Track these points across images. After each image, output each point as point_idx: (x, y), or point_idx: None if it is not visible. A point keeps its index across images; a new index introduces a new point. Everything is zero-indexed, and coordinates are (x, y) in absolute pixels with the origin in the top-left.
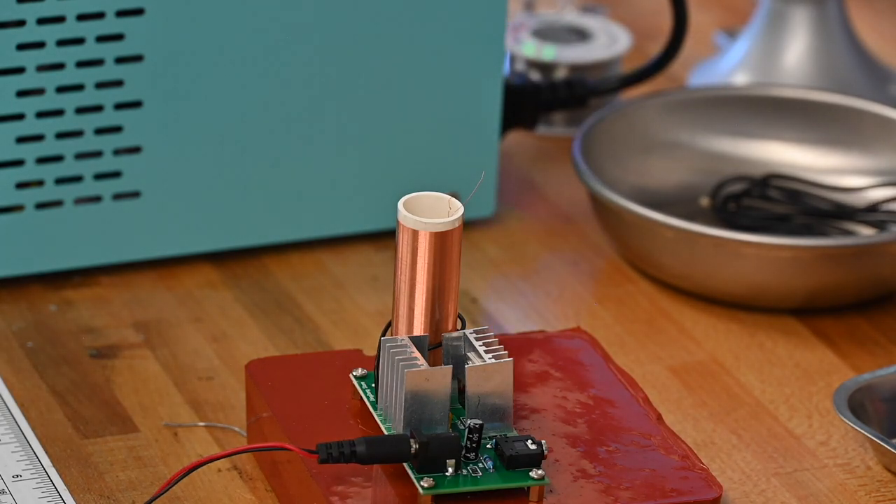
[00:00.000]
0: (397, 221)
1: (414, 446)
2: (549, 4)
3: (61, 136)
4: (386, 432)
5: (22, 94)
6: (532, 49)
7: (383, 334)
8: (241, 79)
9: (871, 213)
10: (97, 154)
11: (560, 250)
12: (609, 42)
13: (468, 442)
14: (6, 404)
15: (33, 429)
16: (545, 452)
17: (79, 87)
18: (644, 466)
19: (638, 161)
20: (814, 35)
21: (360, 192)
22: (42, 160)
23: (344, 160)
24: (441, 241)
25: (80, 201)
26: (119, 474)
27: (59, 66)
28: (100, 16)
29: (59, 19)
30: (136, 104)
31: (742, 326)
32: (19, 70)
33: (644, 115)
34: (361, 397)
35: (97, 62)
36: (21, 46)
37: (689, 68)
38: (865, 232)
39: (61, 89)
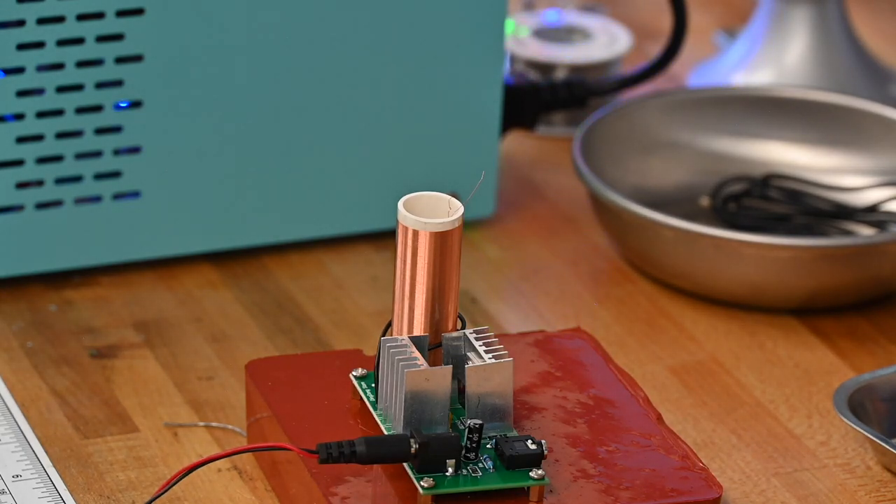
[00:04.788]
0: (397, 221)
1: (414, 446)
2: (549, 4)
3: (61, 136)
4: (386, 432)
5: (22, 94)
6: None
7: (383, 334)
8: (241, 79)
9: (871, 213)
10: (97, 154)
11: (560, 250)
12: (609, 42)
13: (468, 442)
14: (6, 404)
15: (33, 429)
16: (545, 452)
17: (79, 87)
18: (644, 466)
19: (638, 161)
20: (814, 35)
21: (360, 192)
22: (42, 160)
23: (344, 160)
24: (441, 241)
25: (80, 201)
26: (119, 474)
27: (59, 67)
28: (100, 16)
29: (59, 19)
30: (136, 104)
31: (742, 326)
32: (19, 70)
33: (644, 115)
34: (361, 397)
35: (97, 62)
36: (21, 46)
37: (689, 68)
38: (865, 232)
39: (61, 89)
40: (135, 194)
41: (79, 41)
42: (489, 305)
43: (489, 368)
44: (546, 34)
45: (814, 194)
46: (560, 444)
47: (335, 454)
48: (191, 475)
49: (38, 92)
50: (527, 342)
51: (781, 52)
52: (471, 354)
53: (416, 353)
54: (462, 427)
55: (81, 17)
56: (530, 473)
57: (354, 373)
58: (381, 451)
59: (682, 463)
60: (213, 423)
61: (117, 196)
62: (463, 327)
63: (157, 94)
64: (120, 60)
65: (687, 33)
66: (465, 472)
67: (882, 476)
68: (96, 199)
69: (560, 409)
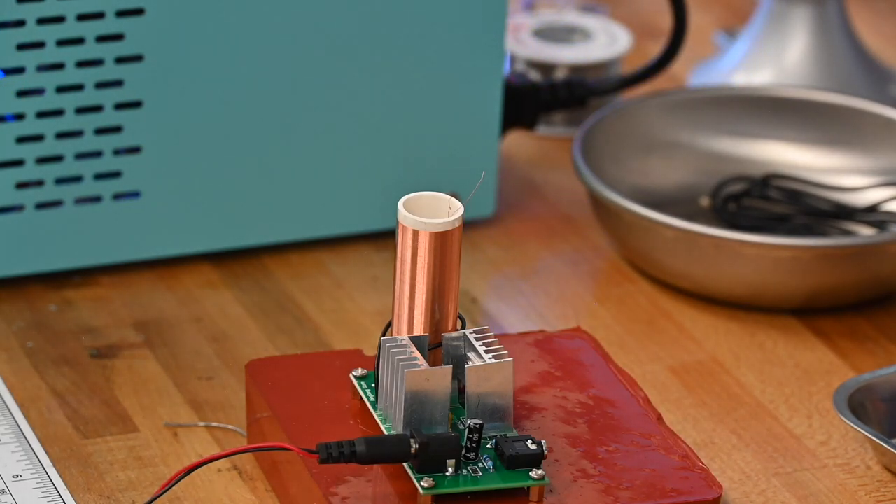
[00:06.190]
0: (397, 221)
1: (414, 446)
2: (549, 4)
3: (61, 136)
4: (386, 432)
5: (22, 94)
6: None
7: (383, 334)
8: (241, 79)
9: (871, 213)
10: (97, 154)
11: (560, 250)
12: (609, 42)
13: (468, 442)
14: (6, 404)
15: (33, 429)
16: (545, 452)
17: (79, 87)
18: (644, 466)
19: (638, 161)
20: (814, 35)
21: (360, 192)
22: (42, 160)
23: (344, 160)
24: (441, 241)
25: (80, 201)
26: (119, 474)
27: (59, 67)
28: (100, 16)
29: (59, 19)
30: (136, 104)
31: (742, 326)
32: (19, 70)
33: (644, 115)
34: (361, 397)
35: (97, 62)
36: (21, 46)
37: (689, 68)
38: (865, 232)
39: (61, 89)
40: (135, 194)
41: (79, 41)
42: (489, 305)
43: (489, 368)
44: (546, 34)
45: (814, 194)
46: (560, 444)
47: (335, 454)
48: (191, 475)
49: (38, 92)
50: (527, 342)
51: (781, 52)
52: (471, 354)
53: (416, 353)
54: (462, 427)
55: (81, 18)
56: (530, 473)
57: (354, 373)
58: (381, 451)
59: (682, 463)
60: (213, 423)
61: (117, 196)
62: (463, 327)
63: (157, 94)
64: (120, 60)
65: (687, 33)
66: (465, 472)
67: (882, 476)
68: (96, 199)
69: (560, 409)
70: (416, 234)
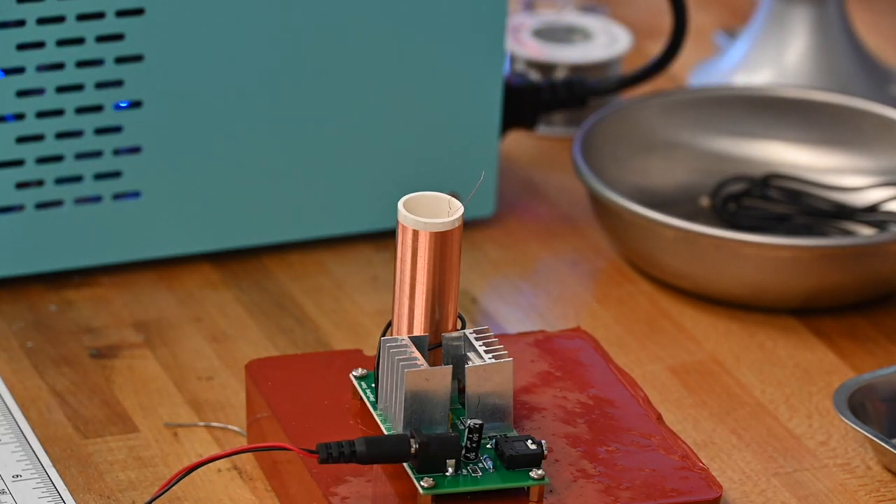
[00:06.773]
0: (397, 221)
1: (414, 446)
2: (549, 4)
3: (61, 136)
4: (386, 432)
5: (22, 94)
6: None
7: (383, 334)
8: (241, 79)
9: (871, 213)
10: (97, 154)
11: (560, 250)
12: (609, 42)
13: (468, 442)
14: (6, 404)
15: (33, 429)
16: (545, 452)
17: (79, 87)
18: (644, 466)
19: (638, 161)
20: (814, 35)
21: (360, 192)
22: (42, 160)
23: (344, 160)
24: (441, 241)
25: (80, 201)
26: (119, 474)
27: (59, 66)
28: (100, 16)
29: (59, 19)
30: (136, 104)
31: (742, 326)
32: (19, 70)
33: (644, 115)
34: (361, 397)
35: (97, 62)
36: (21, 46)
37: (689, 68)
38: (865, 232)
39: (61, 89)
40: (135, 194)
41: (79, 41)
42: (489, 305)
43: (489, 368)
44: (546, 34)
45: (814, 194)
46: (560, 444)
47: (335, 454)
48: (191, 475)
49: (38, 92)
50: (527, 342)
51: (781, 52)
52: (471, 354)
53: (416, 353)
54: (462, 427)
55: (81, 17)
56: (530, 473)
57: (354, 373)
58: (381, 451)
59: (682, 463)
60: (213, 423)
61: (117, 196)
62: (463, 327)
63: (157, 94)
64: (120, 60)
65: (687, 33)
66: (465, 472)
67: (882, 476)
68: (96, 199)
69: (560, 409)
70: (416, 234)
